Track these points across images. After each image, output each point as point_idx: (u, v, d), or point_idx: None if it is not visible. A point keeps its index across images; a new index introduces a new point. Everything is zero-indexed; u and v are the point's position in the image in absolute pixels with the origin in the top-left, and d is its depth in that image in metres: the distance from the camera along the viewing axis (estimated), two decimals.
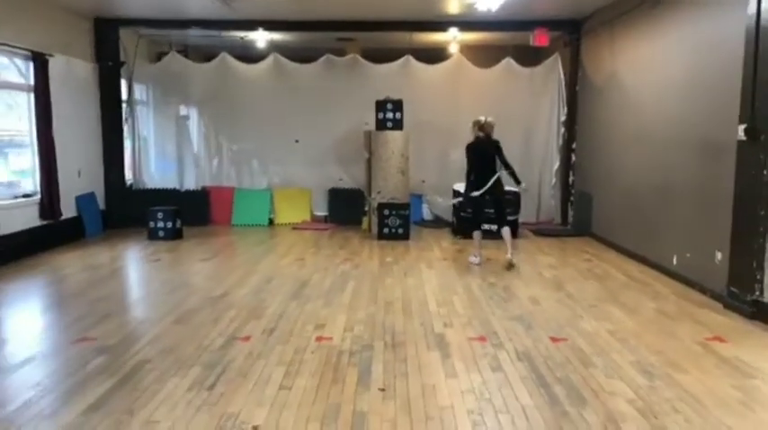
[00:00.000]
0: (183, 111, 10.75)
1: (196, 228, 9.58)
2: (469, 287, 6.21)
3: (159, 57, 10.93)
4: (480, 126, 7.11)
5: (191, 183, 10.60)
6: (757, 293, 5.13)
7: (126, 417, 3.33)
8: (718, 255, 5.69)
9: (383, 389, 3.70)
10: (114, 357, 4.23)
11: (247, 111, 10.44)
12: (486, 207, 7.30)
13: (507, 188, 7.37)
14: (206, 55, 11.15)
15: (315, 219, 10.59)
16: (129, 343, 4.53)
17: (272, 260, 7.57)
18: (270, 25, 9.77)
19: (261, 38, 10.12)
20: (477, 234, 7.30)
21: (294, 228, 9.99)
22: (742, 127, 5.29)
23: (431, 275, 6.76)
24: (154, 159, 10.78)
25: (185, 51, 11.38)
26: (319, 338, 4.63)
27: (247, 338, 4.63)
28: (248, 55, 10.50)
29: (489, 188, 6.97)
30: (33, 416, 3.33)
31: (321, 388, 3.73)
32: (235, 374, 3.93)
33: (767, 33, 5.02)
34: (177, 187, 10.51)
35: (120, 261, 7.79)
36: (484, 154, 7.07)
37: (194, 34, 10.37)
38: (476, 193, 7.04)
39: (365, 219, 9.93)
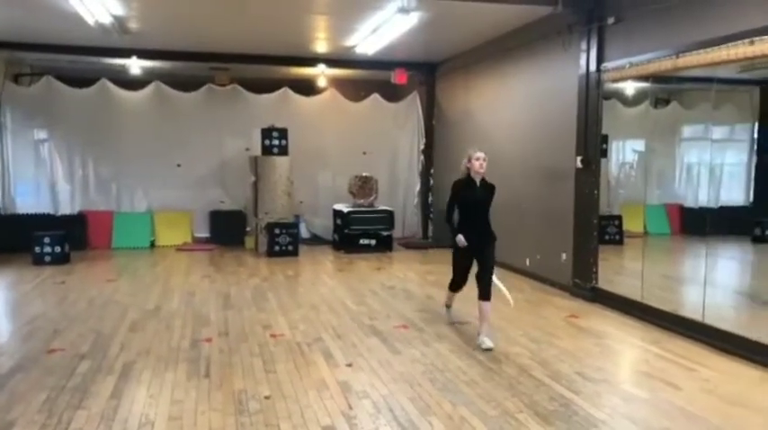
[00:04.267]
0: (57, 135, 10.59)
1: (76, 253, 9.54)
2: (374, 290, 7.30)
3: (16, 78, 10.67)
4: (470, 159, 5.32)
5: (66, 208, 10.48)
6: (594, 282, 6.85)
7: (150, 400, 3.93)
8: (563, 256, 7.37)
9: (350, 365, 4.65)
10: (98, 361, 4.68)
11: (128, 136, 10.62)
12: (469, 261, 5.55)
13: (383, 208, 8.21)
14: (78, 80, 11.09)
15: (196, 240, 11.00)
16: (101, 349, 4.97)
17: (180, 278, 8.03)
18: (143, 54, 10.10)
19: (135, 65, 10.31)
20: (451, 295, 6.06)
21: (179, 250, 10.35)
22: (578, 158, 7.03)
23: (336, 284, 7.74)
24: (21, 184, 10.49)
25: (54, 75, 11.21)
26: (273, 335, 5.43)
27: (209, 340, 5.28)
28: (126, 80, 10.69)
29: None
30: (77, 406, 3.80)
31: (300, 368, 4.59)
32: (220, 366, 4.63)
33: (592, 87, 6.80)
34: (51, 212, 10.35)
35: (22, 284, 7.69)
36: (476, 202, 5.38)
37: (67, 59, 10.34)
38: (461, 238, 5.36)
39: (249, 239, 10.60)
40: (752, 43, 4.54)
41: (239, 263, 9.22)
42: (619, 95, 9.34)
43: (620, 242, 9.66)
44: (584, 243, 7.02)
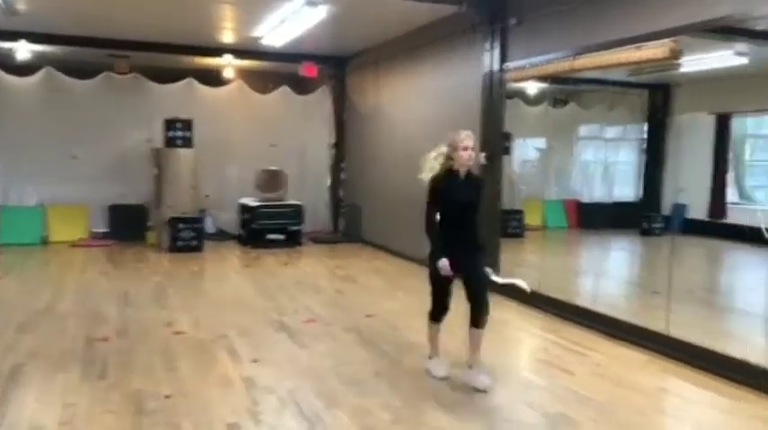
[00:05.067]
0: None
1: None
2: (282, 286, 7.22)
3: None
4: (455, 147, 4.08)
5: None
6: (497, 274, 7.09)
7: (40, 405, 3.70)
8: None
9: (256, 361, 4.57)
10: None
11: (15, 124, 9.91)
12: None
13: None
14: None
15: (93, 235, 10.44)
16: None
17: (75, 275, 7.60)
18: (34, 38, 9.45)
19: (24, 49, 9.60)
20: (433, 327, 4.45)
21: (74, 246, 9.79)
22: (483, 154, 7.24)
23: (242, 279, 7.60)
24: None
25: None
26: (176, 332, 5.25)
27: (106, 339, 5.04)
28: (13, 65, 9.96)
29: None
30: None
31: (203, 365, 4.47)
32: (117, 366, 4.42)
33: (495, 86, 7.01)
34: None
35: None
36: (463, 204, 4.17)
37: None
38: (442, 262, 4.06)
39: (150, 234, 10.18)
40: (638, 48, 4.84)
41: (140, 259, 8.84)
42: (521, 95, 9.71)
43: (521, 235, 10.09)
44: (487, 236, 7.23)
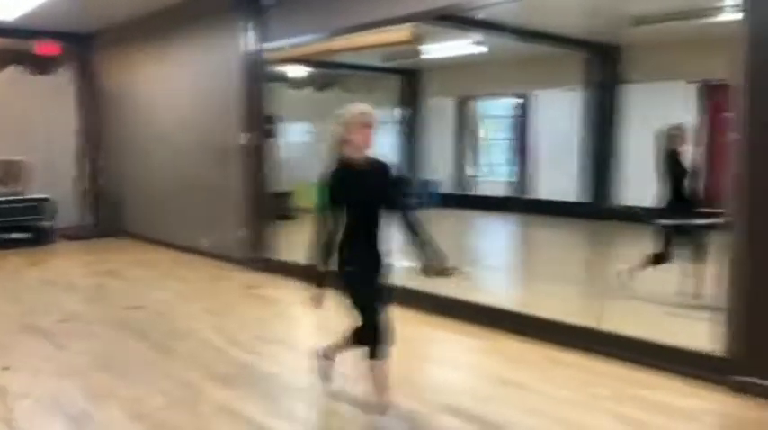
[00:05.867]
0: None
1: None
2: (31, 286, 6.50)
3: None
4: (350, 127, 3.12)
5: None
6: (270, 255, 7.17)
7: None
8: (239, 232, 7.52)
9: (7, 368, 4.08)
10: None
11: None
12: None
13: None
14: None
15: None
16: None
17: None
18: None
19: None
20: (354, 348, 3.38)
21: None
22: (246, 136, 7.20)
23: None
24: None
25: None
26: None
27: None
28: None
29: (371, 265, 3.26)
30: None
31: None
32: None
33: (256, 67, 6.98)
34: None
35: None
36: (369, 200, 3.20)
37: None
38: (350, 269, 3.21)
39: None
40: (385, 32, 5.24)
41: None
42: (286, 78, 9.85)
43: (293, 217, 10.31)
44: (258, 218, 7.28)
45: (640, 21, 6.67)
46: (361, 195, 3.13)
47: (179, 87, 8.37)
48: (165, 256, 8.20)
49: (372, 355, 3.14)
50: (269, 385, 3.85)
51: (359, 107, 3.12)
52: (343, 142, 3.11)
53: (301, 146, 11.63)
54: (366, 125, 3.07)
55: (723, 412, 3.44)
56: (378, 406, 3.22)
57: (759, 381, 3.50)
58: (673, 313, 4.80)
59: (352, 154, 3.11)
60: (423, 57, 8.50)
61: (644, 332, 4.07)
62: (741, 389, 3.55)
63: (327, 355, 3.64)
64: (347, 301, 3.16)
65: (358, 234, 3.16)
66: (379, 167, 3.20)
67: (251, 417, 3.35)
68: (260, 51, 6.88)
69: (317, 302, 3.22)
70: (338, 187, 3.12)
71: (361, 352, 3.19)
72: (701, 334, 3.78)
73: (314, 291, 3.21)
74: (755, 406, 3.42)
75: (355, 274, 3.16)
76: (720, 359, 3.66)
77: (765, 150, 3.49)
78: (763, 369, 3.51)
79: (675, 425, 3.24)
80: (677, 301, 4.94)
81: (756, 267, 3.55)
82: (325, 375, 3.67)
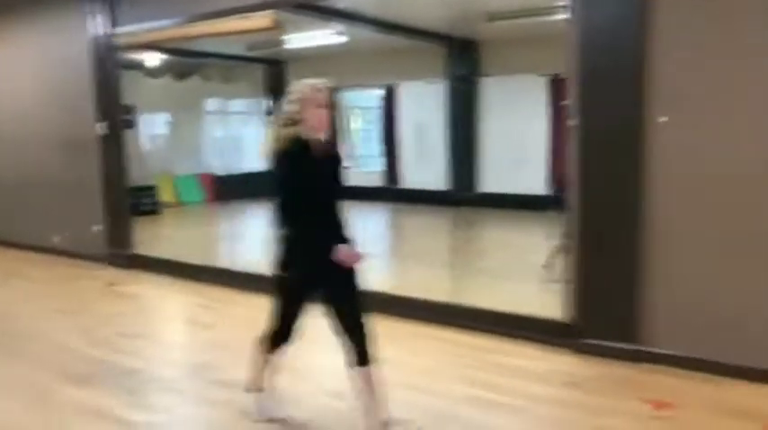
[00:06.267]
0: None
1: None
2: None
3: None
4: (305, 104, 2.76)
5: None
6: (131, 250, 6.82)
7: None
8: (95, 228, 7.07)
9: None
10: None
11: None
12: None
13: None
14: None
15: None
16: None
17: None
18: None
19: None
20: (265, 356, 3.07)
21: None
22: (99, 125, 6.78)
23: None
24: None
25: None
26: None
27: None
28: None
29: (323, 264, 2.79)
30: None
31: None
32: None
33: (107, 52, 6.57)
34: None
35: None
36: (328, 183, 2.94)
37: None
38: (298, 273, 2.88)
39: None
40: (247, 18, 5.16)
41: None
42: (143, 67, 9.38)
43: (157, 212, 9.88)
44: (116, 213, 6.89)
45: (494, 17, 7.11)
46: (318, 177, 2.79)
47: (20, 73, 7.67)
48: (7, 256, 7.55)
49: (358, 361, 2.79)
50: (132, 381, 3.69)
51: (311, 82, 2.79)
52: (295, 122, 2.74)
53: (162, 138, 11.15)
54: (320, 104, 2.73)
55: (568, 371, 3.77)
56: (380, 424, 2.82)
57: (596, 342, 3.89)
58: (533, 287, 5.19)
59: (307, 134, 2.75)
60: (286, 46, 8.46)
61: (503, 305, 4.37)
62: (583, 350, 3.92)
63: (258, 386, 3.13)
64: (278, 302, 2.92)
65: (313, 220, 2.79)
66: (332, 150, 2.87)
67: (114, 413, 3.21)
68: (110, 36, 6.48)
69: (351, 255, 2.80)
70: (295, 167, 2.73)
71: (347, 360, 2.82)
72: (554, 304, 4.13)
73: (342, 248, 2.76)
74: (595, 363, 3.79)
75: (306, 276, 2.84)
76: (565, 325, 4.03)
77: (593, 137, 3.87)
78: (598, 331, 3.91)
79: (527, 385, 3.52)
80: (537, 276, 5.32)
81: (589, 242, 3.93)
82: (265, 409, 3.11)
